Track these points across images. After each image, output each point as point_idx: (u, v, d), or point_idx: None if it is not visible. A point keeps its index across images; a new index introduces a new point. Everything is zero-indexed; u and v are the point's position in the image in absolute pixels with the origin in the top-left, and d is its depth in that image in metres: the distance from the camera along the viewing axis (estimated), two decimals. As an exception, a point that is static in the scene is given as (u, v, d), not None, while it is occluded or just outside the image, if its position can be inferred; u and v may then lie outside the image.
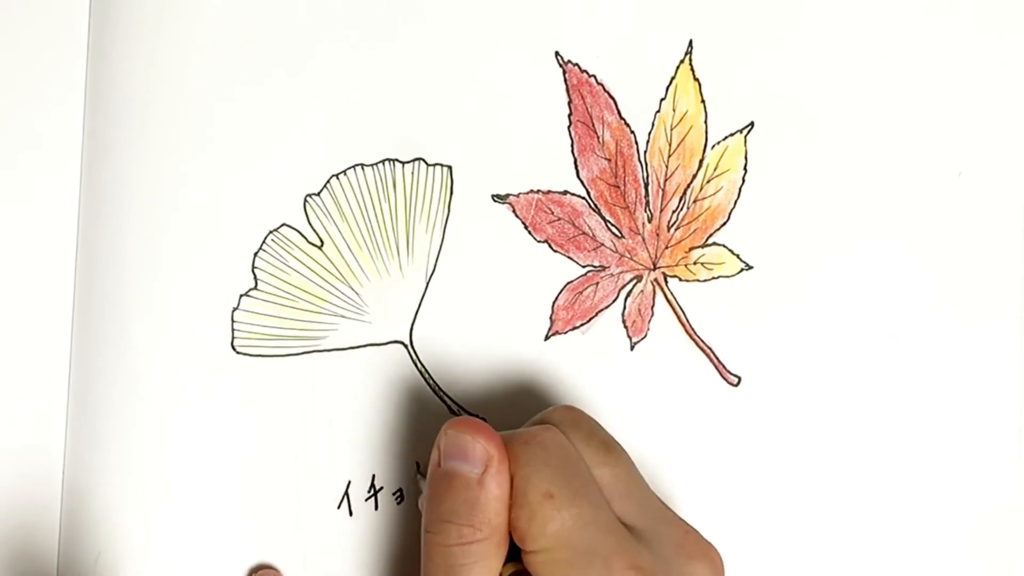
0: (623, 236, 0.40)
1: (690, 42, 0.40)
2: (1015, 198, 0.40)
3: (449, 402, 0.40)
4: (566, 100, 0.40)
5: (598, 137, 0.40)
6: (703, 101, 0.40)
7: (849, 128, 0.40)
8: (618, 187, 0.40)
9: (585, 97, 0.40)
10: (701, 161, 0.40)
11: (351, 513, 0.40)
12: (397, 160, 0.40)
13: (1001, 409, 0.40)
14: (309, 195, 0.40)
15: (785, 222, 0.40)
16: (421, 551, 0.33)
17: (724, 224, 0.40)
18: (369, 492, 0.40)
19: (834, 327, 0.40)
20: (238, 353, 0.40)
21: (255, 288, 0.40)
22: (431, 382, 0.40)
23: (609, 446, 0.34)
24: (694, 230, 0.40)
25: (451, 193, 0.40)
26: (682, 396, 0.40)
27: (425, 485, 0.36)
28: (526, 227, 0.40)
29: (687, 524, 0.34)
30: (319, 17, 0.41)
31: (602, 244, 0.40)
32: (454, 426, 0.33)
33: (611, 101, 0.40)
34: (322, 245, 0.40)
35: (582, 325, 0.40)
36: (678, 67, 0.40)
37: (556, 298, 0.40)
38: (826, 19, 0.40)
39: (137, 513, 0.40)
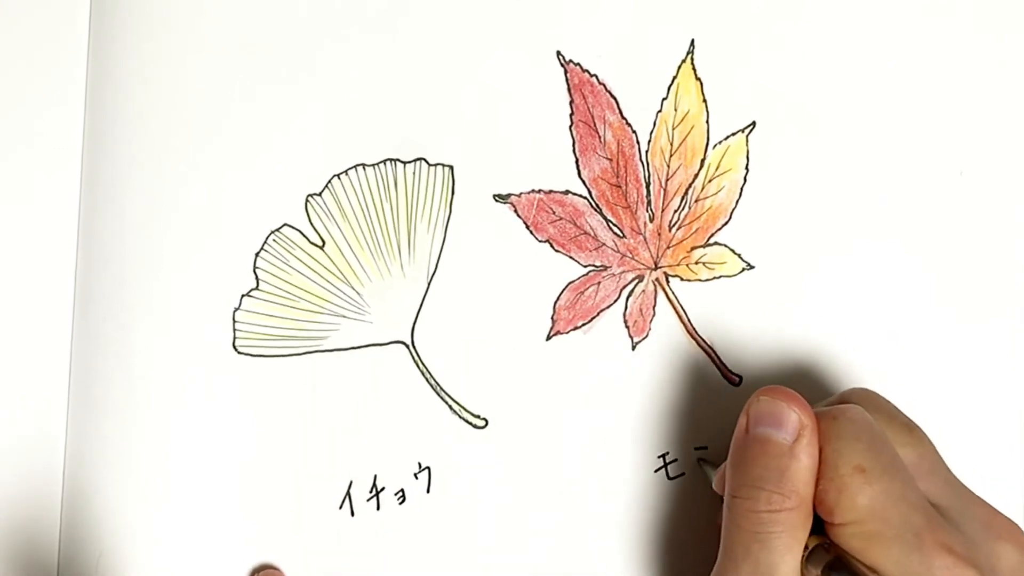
0: (625, 236, 0.40)
1: (692, 42, 0.40)
2: (1016, 198, 0.40)
3: (451, 402, 0.40)
4: (567, 100, 0.40)
5: (599, 137, 0.40)
6: (705, 100, 0.40)
7: (851, 128, 0.40)
8: (620, 187, 0.40)
9: (587, 97, 0.40)
10: (703, 161, 0.40)
11: (353, 513, 0.40)
12: (398, 160, 0.40)
13: (1001, 409, 0.40)
14: (311, 195, 0.40)
15: (786, 222, 0.40)
16: (724, 518, 0.33)
17: (725, 224, 0.40)
18: (371, 492, 0.40)
19: (835, 327, 0.40)
20: (239, 353, 0.40)
21: (256, 288, 0.40)
22: (432, 382, 0.40)
23: (911, 427, 0.35)
24: (696, 230, 0.40)
25: (452, 193, 0.40)
26: (684, 395, 0.40)
27: (710, 473, 0.37)
28: (528, 227, 0.40)
29: (991, 505, 0.34)
30: (320, 17, 0.40)
31: (604, 244, 0.40)
32: (768, 393, 0.33)
33: (613, 101, 0.40)
34: (323, 245, 0.40)
35: (584, 325, 0.40)
36: (680, 66, 0.40)
37: (558, 298, 0.40)
38: (827, 19, 0.40)
39: (138, 513, 0.40)
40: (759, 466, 0.33)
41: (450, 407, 0.40)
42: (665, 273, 0.40)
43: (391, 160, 0.40)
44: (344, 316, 0.40)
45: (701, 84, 0.40)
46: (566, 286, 0.40)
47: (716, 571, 0.33)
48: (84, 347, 0.40)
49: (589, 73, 0.40)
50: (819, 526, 0.33)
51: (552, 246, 0.40)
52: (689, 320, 0.40)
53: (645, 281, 0.40)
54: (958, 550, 0.31)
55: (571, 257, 0.40)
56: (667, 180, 0.40)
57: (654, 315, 0.40)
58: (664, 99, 0.40)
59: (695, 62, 0.40)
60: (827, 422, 0.33)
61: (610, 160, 0.40)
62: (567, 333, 0.40)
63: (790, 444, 0.32)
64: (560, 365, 0.40)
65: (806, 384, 0.39)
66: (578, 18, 0.40)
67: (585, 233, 0.40)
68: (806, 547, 0.32)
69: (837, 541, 0.32)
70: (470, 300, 0.40)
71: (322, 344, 0.40)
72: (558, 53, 0.40)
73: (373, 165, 0.40)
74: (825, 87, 0.40)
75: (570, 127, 0.40)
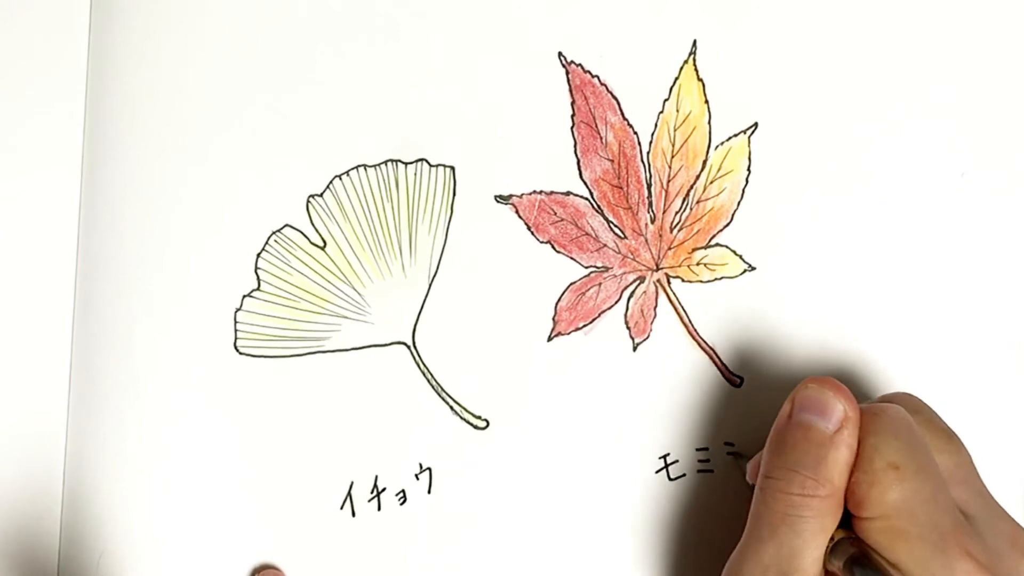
0: (626, 237, 0.40)
1: (694, 42, 0.40)
2: (1018, 199, 0.40)
3: (452, 403, 0.40)
4: (569, 101, 0.40)
5: (601, 138, 0.40)
6: (707, 101, 0.40)
7: (852, 129, 0.40)
8: (621, 188, 0.40)
9: (588, 98, 0.40)
10: (704, 162, 0.40)
11: (354, 514, 0.40)
12: (400, 161, 0.40)
13: (1001, 409, 0.40)
14: (312, 196, 0.40)
15: (788, 223, 0.40)
16: (753, 500, 0.34)
17: (727, 225, 0.40)
18: (372, 493, 0.40)
19: (835, 328, 0.40)
20: (241, 354, 0.40)
21: (258, 289, 0.40)
22: (434, 383, 0.40)
23: (949, 434, 0.35)
24: (697, 231, 0.40)
25: (454, 194, 0.40)
26: (685, 397, 0.40)
27: (744, 466, 0.37)
28: (529, 228, 0.40)
29: (1019, 524, 0.34)
30: (320, 18, 0.40)
31: (605, 245, 0.40)
32: (816, 382, 0.34)
33: (614, 102, 0.40)
34: (325, 246, 0.40)
35: (585, 326, 0.40)
36: (682, 67, 0.40)
37: (559, 299, 0.40)
38: (829, 20, 0.40)
39: (138, 513, 0.40)
40: (798, 451, 0.33)
41: (451, 408, 0.40)
42: (666, 274, 0.40)
43: (392, 161, 0.40)
44: (345, 317, 0.40)
45: (703, 85, 0.40)
46: (567, 287, 0.40)
47: (740, 549, 0.34)
48: (84, 347, 0.40)
49: (591, 74, 0.40)
50: (846, 521, 0.33)
51: (553, 247, 0.40)
52: (690, 321, 0.40)
53: (646, 282, 0.40)
54: (980, 558, 0.31)
55: (572, 258, 0.40)
56: (669, 181, 0.40)
57: (655, 316, 0.40)
58: (666, 100, 0.40)
59: (697, 63, 0.40)
60: (868, 417, 0.33)
61: (611, 161, 0.40)
62: (568, 334, 0.40)
63: (831, 434, 0.33)
64: (561, 366, 0.40)
65: (807, 385, 0.40)
66: (579, 19, 0.40)
67: (586, 234, 0.40)
68: (832, 539, 0.32)
69: (863, 535, 0.32)
70: (471, 301, 0.40)
71: (323, 345, 0.40)
72: (559, 54, 0.40)
73: (374, 166, 0.40)
74: (827, 88, 0.40)
75: (571, 128, 0.40)
